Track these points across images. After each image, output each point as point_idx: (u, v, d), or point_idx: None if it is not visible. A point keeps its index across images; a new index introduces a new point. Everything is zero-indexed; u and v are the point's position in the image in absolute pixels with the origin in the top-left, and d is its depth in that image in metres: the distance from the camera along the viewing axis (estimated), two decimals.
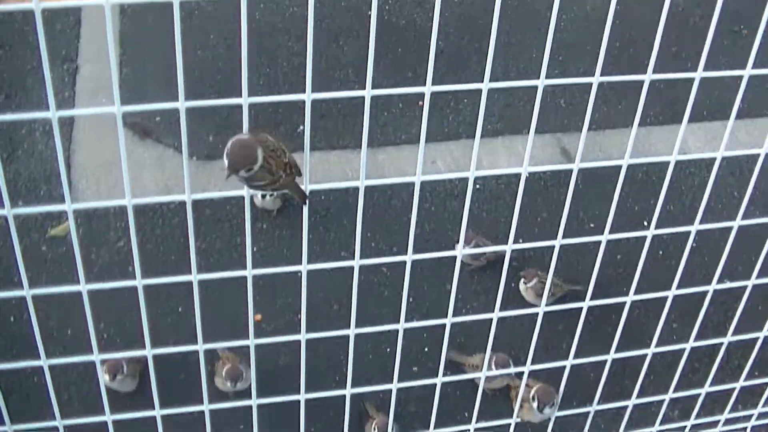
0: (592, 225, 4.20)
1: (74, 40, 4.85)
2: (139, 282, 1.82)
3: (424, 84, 1.69)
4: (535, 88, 1.79)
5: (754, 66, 1.90)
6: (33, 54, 4.75)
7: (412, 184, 1.86)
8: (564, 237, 2.12)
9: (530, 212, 4.16)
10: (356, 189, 1.81)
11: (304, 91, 1.63)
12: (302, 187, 1.82)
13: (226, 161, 1.68)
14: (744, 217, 2.21)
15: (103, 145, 4.34)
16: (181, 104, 1.55)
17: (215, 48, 4.88)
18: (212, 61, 4.81)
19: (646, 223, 4.23)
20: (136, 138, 4.39)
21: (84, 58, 4.77)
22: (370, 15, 5.09)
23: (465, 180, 1.88)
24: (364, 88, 1.67)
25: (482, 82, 1.72)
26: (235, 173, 1.68)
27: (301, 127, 4.45)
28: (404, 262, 2.01)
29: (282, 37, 4.98)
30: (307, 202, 1.83)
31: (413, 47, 4.98)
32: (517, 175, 1.95)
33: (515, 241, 2.12)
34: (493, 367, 3.39)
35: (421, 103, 4.68)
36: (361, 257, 1.96)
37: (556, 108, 4.71)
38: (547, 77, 1.77)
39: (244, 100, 1.60)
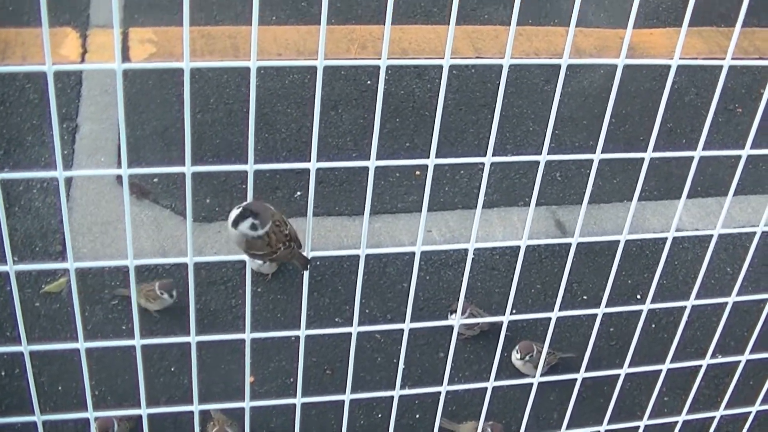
0: (585, 297, 4.22)
1: (75, 99, 4.89)
2: (137, 342, 1.83)
3: (422, 154, 1.72)
4: (531, 161, 1.82)
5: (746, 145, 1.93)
6: (33, 111, 4.79)
7: (408, 252, 1.88)
8: (558, 309, 2.14)
9: (524, 283, 4.18)
10: (351, 255, 1.83)
11: (303, 157, 1.66)
12: (303, 252, 1.84)
13: (237, 210, 1.71)
14: (736, 293, 2.23)
15: (99, 204, 4.36)
16: (188, 169, 1.57)
17: (215, 111, 4.93)
18: (211, 124, 4.85)
19: (639, 296, 4.25)
20: (134, 198, 4.42)
21: (84, 117, 4.81)
22: (368, 84, 5.16)
23: (460, 250, 1.90)
24: (363, 156, 1.70)
25: (479, 153, 1.75)
26: (241, 221, 1.71)
27: (299, 193, 4.48)
28: (398, 330, 2.03)
29: (281, 104, 5.03)
30: (309, 268, 1.86)
31: (411, 118, 5.03)
32: (512, 246, 1.98)
33: (510, 312, 2.14)
34: None
35: (418, 172, 4.73)
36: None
37: (552, 181, 4.75)
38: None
39: (250, 167, 1.62)
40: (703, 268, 2.13)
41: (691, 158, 1.89)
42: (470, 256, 1.95)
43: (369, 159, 1.67)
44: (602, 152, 1.83)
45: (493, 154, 1.75)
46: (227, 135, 4.80)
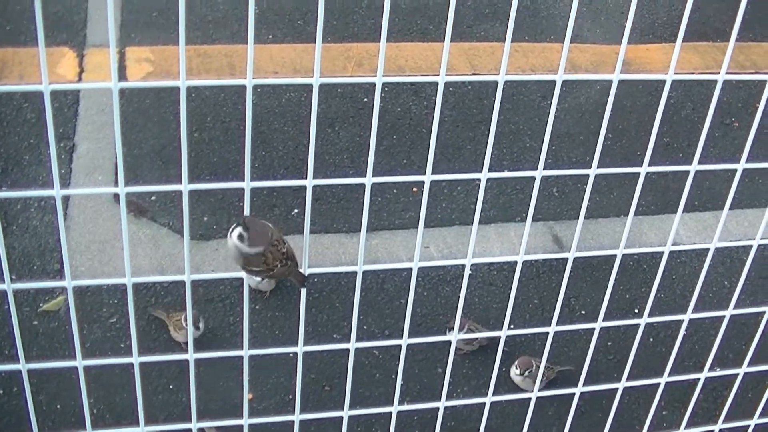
0: (582, 311, 4.22)
1: (72, 118, 4.90)
2: (135, 359, 1.83)
3: (419, 171, 1.73)
4: (528, 176, 1.83)
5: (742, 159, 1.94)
6: (30, 131, 4.79)
7: (405, 269, 1.88)
8: (556, 324, 2.15)
9: (522, 298, 4.18)
10: (348, 272, 1.83)
11: (300, 175, 1.67)
12: (301, 270, 1.85)
13: (238, 230, 1.71)
14: (734, 305, 2.24)
15: (97, 222, 4.36)
16: (185, 187, 1.57)
17: (212, 130, 4.94)
18: (208, 142, 4.86)
19: (637, 310, 4.25)
20: (131, 216, 4.42)
21: (81, 136, 4.82)
22: (365, 101, 5.16)
23: (457, 266, 1.91)
24: (360, 173, 1.71)
25: (476, 169, 1.75)
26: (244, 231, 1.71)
27: (296, 210, 4.49)
28: (396, 345, 2.03)
29: (278, 121, 5.04)
30: (306, 285, 1.86)
31: (408, 134, 5.04)
32: (510, 262, 1.99)
33: (507, 327, 2.14)
34: None
35: (415, 189, 4.74)
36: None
37: (549, 196, 4.76)
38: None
39: (247, 185, 1.63)
40: (701, 282, 2.14)
41: (688, 172, 1.89)
42: (467, 271, 1.95)
43: (366, 176, 1.68)
44: (599, 167, 1.83)
45: (490, 170, 1.75)
46: (224, 153, 4.81)
